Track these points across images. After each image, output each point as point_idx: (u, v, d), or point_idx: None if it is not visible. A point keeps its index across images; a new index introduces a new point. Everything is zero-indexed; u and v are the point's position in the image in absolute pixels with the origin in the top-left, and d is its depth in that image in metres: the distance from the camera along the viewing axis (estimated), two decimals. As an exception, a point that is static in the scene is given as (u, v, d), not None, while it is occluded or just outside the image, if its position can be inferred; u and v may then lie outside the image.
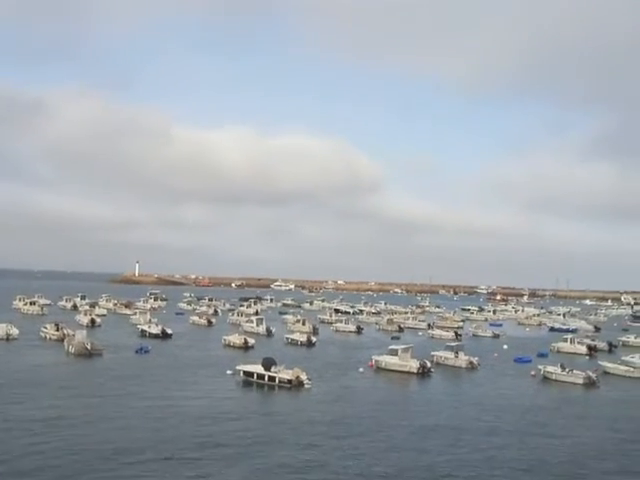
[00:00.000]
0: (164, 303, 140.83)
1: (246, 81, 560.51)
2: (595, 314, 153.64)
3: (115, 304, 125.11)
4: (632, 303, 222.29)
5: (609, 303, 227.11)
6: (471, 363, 61.92)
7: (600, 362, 63.78)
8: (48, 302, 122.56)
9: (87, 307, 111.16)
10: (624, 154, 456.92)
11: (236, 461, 29.51)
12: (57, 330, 71.43)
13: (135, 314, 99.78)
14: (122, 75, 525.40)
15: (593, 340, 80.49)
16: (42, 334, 72.87)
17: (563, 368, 56.30)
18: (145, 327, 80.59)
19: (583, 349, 75.22)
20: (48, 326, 74.00)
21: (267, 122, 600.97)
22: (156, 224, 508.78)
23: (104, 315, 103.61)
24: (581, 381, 54.28)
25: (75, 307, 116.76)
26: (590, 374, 54.97)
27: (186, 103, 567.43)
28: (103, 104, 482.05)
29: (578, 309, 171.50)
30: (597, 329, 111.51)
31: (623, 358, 65.63)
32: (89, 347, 60.47)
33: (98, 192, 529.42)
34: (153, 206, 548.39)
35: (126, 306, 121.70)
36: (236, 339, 72.39)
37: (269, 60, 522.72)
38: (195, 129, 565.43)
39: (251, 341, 72.11)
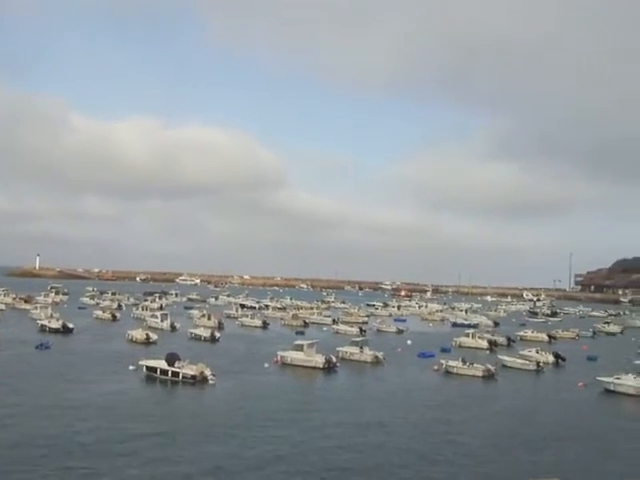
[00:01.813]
0: (66, 297, 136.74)
1: (151, 71, 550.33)
2: (495, 310, 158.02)
3: (14, 298, 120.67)
4: (534, 300, 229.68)
5: (509, 299, 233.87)
6: (376, 358, 62.75)
7: (499, 356, 65.96)
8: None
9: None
10: (521, 154, 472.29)
11: (130, 456, 29.08)
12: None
13: (35, 308, 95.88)
14: (16, 60, 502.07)
15: (493, 335, 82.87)
16: None
17: (464, 362, 58.03)
18: (45, 322, 78.15)
19: (484, 344, 77.21)
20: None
21: (172, 114, 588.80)
22: (57, 216, 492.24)
23: (2, 310, 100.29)
24: (480, 374, 56.27)
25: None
26: (489, 367, 57.06)
27: (88, 92, 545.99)
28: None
29: (479, 305, 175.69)
30: (496, 324, 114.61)
31: (520, 352, 68.15)
32: (-17, 343, 58.29)
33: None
34: (54, 197, 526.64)
35: (25, 300, 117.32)
36: (138, 334, 71.06)
37: (176, 50, 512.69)
38: (97, 119, 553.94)
39: (153, 336, 70.77)
